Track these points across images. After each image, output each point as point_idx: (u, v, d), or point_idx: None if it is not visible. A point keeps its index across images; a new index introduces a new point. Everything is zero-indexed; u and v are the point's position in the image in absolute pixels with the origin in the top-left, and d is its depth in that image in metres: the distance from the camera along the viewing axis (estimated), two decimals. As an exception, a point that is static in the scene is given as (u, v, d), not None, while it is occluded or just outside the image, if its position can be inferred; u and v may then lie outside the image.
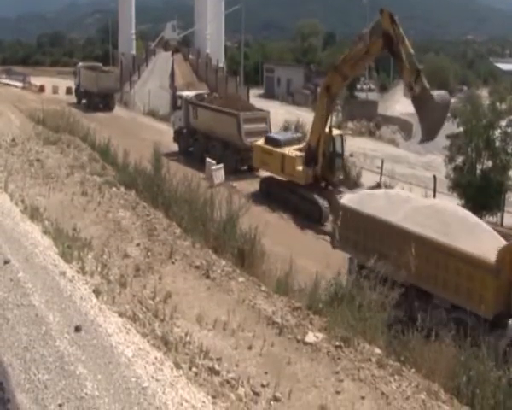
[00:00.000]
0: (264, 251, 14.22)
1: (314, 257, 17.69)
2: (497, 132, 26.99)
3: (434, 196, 24.98)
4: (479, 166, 27.36)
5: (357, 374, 8.92)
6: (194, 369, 8.51)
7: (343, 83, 24.97)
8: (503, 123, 26.95)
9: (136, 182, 18.88)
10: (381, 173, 29.68)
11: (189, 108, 33.37)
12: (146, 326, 9.58)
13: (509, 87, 37.24)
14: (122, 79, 59.19)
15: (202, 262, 12.74)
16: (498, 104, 27.41)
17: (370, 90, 73.89)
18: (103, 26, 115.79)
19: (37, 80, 61.89)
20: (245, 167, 30.33)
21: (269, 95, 72.70)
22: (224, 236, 14.22)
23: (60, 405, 7.53)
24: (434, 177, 26.59)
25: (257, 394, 8.30)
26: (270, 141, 26.97)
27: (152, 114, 49.02)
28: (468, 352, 9.88)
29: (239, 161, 30.11)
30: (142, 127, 41.25)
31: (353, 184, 27.41)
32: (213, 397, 7.93)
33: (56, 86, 58.86)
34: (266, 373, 8.80)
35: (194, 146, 32.97)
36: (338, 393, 8.49)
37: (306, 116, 37.13)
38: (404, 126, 57.24)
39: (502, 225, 22.87)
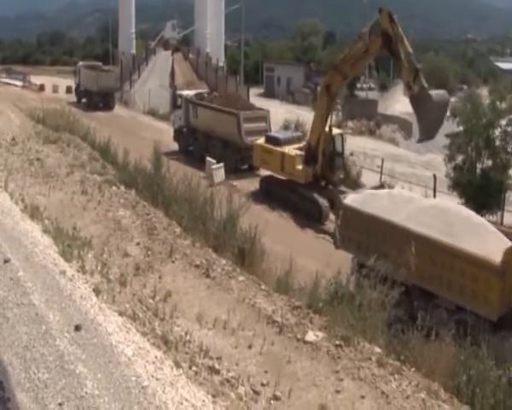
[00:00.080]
0: (265, 250, 14.23)
1: (314, 256, 17.69)
2: (497, 131, 26.96)
3: (434, 195, 24.99)
4: (479, 166, 27.33)
5: (357, 373, 8.92)
6: (194, 368, 8.51)
7: (343, 82, 24.96)
8: (503, 122, 26.93)
9: (136, 181, 18.89)
10: (381, 172, 29.69)
11: (189, 107, 33.37)
12: (146, 325, 9.58)
13: (509, 86, 37.26)
14: (122, 78, 59.14)
15: (202, 261, 12.74)
16: (498, 103, 27.39)
17: (370, 89, 73.80)
18: (103, 25, 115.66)
19: (37, 79, 61.88)
20: (245, 166, 30.32)
21: (269, 94, 72.66)
22: (224, 235, 14.23)
23: (60, 404, 7.53)
24: (434, 176, 26.59)
25: (257, 393, 8.30)
26: (271, 140, 26.97)
27: (152, 113, 48.99)
28: (468, 351, 9.88)
29: (239, 160, 30.11)
30: (142, 126, 41.24)
31: (353, 183, 27.39)
32: (213, 396, 7.94)
33: (56, 85, 58.83)
34: (266, 372, 8.81)
35: (195, 145, 32.96)
36: (338, 392, 8.49)
37: (306, 115, 37.14)
38: (404, 125, 57.22)
39: (502, 224, 22.85)
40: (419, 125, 22.47)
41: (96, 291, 10.56)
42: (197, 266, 12.55)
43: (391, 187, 23.24)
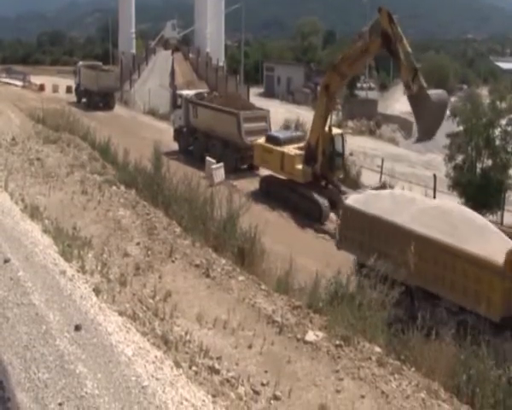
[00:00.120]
0: (264, 250, 14.23)
1: (314, 256, 17.70)
2: (497, 131, 26.94)
3: (434, 194, 24.99)
4: (479, 165, 27.32)
5: (357, 373, 8.92)
6: (194, 368, 8.51)
7: (342, 82, 24.94)
8: (503, 122, 26.91)
9: (136, 181, 18.90)
10: (381, 172, 29.69)
11: (189, 107, 33.35)
12: (146, 325, 9.59)
13: (509, 86, 37.22)
14: (122, 78, 59.12)
15: (202, 261, 12.75)
16: (498, 103, 27.37)
17: (370, 88, 73.81)
18: (103, 25, 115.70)
19: (37, 79, 61.86)
20: (245, 166, 30.31)
21: (269, 94, 72.67)
22: (224, 235, 14.24)
23: (60, 404, 7.53)
24: (434, 176, 26.60)
25: (257, 392, 8.30)
26: (271, 139, 26.97)
27: (152, 112, 48.97)
28: (468, 351, 9.88)
29: (239, 160, 30.09)
30: (142, 126, 41.23)
31: (353, 183, 27.39)
32: (213, 396, 7.94)
33: (56, 85, 58.82)
34: (266, 372, 8.81)
35: (194, 145, 32.95)
36: (338, 392, 8.49)
37: (306, 115, 37.13)
38: (404, 125, 57.17)
39: (502, 223, 22.85)
40: (417, 124, 22.43)
41: (96, 291, 10.56)
42: (197, 266, 12.55)
43: (391, 187, 23.24)
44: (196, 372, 8.42)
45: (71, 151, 23.57)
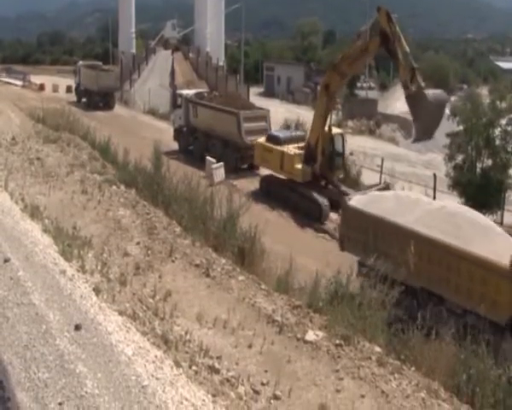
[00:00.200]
0: (264, 249, 14.23)
1: (314, 255, 17.70)
2: (497, 131, 26.92)
3: (434, 194, 24.98)
4: (479, 165, 27.31)
5: (357, 372, 8.93)
6: (194, 367, 8.52)
7: (341, 81, 24.91)
8: (503, 121, 26.90)
9: (136, 180, 18.91)
10: (381, 172, 29.67)
11: (189, 107, 33.33)
12: (146, 325, 9.59)
13: (509, 85, 37.23)
14: (122, 78, 59.10)
15: (202, 261, 12.75)
16: (498, 103, 27.36)
17: (370, 88, 73.74)
18: (103, 25, 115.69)
19: (37, 79, 61.85)
20: (245, 166, 30.30)
21: (269, 93, 72.66)
22: (224, 234, 14.24)
23: (60, 403, 7.53)
24: (434, 175, 26.58)
25: (257, 392, 8.30)
26: (271, 139, 26.96)
27: (152, 112, 48.95)
28: (468, 350, 9.87)
29: (239, 160, 30.06)
30: (142, 126, 41.22)
31: (353, 182, 27.38)
32: (213, 396, 7.94)
33: (56, 85, 58.80)
34: (266, 372, 8.81)
35: (195, 144, 32.93)
36: (338, 391, 8.49)
37: (306, 114, 37.12)
38: (404, 125, 57.10)
39: (502, 223, 22.85)
40: (414, 124, 22.37)
41: (96, 291, 10.57)
42: (197, 266, 12.56)
43: (391, 187, 23.16)
44: (196, 372, 8.42)
45: (71, 151, 23.58)
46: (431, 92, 21.43)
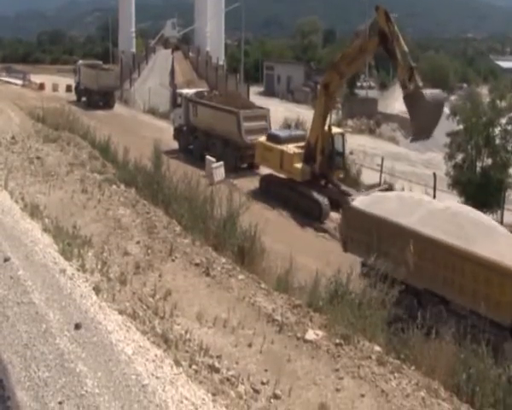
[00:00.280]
0: (264, 249, 14.23)
1: (314, 255, 17.69)
2: (497, 130, 26.94)
3: (434, 193, 24.98)
4: (479, 164, 27.33)
5: (357, 372, 8.92)
6: (194, 366, 8.52)
7: (341, 81, 24.93)
8: (503, 121, 26.92)
9: (136, 180, 18.90)
10: (381, 171, 29.68)
11: (188, 106, 33.32)
12: (146, 324, 9.59)
13: (509, 85, 37.19)
14: (122, 77, 59.10)
15: (202, 260, 12.75)
16: (498, 102, 27.38)
17: (370, 87, 73.78)
18: (103, 24, 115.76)
19: (37, 78, 61.79)
20: (245, 165, 30.30)
21: (269, 92, 72.68)
22: (224, 233, 14.24)
23: (60, 402, 7.54)
24: (434, 174, 26.59)
25: (257, 391, 8.30)
26: (272, 138, 26.98)
27: (152, 111, 48.94)
28: (468, 350, 9.87)
29: (239, 159, 30.05)
30: (142, 125, 41.21)
31: (353, 182, 27.38)
32: (213, 395, 7.94)
33: (56, 84, 58.76)
34: (266, 371, 8.81)
35: (194, 144, 32.92)
36: (338, 390, 8.49)
37: (306, 114, 37.11)
38: (403, 124, 56.98)
39: (502, 222, 22.84)
40: (412, 124, 22.36)
41: (96, 290, 10.57)
42: (197, 265, 12.55)
43: (390, 187, 23.16)
44: (196, 371, 8.43)
45: (71, 150, 23.58)
46: (429, 92, 21.38)
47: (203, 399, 7.78)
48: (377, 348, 9.70)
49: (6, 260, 11.74)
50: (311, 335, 9.83)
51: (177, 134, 34.40)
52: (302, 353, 9.39)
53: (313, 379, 8.72)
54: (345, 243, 16.86)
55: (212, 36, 70.12)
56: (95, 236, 13.70)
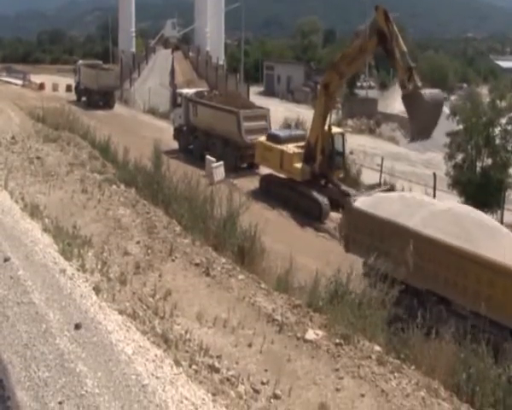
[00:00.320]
0: (265, 249, 14.23)
1: (314, 255, 17.68)
2: (497, 130, 26.92)
3: (434, 193, 24.98)
4: (479, 164, 27.31)
5: (357, 371, 8.92)
6: (194, 366, 8.52)
7: (340, 81, 24.92)
8: (503, 121, 26.90)
9: (136, 180, 18.91)
10: (381, 171, 29.68)
11: (188, 106, 33.33)
12: (146, 324, 9.59)
13: (509, 85, 37.18)
14: (122, 77, 59.09)
15: (202, 260, 12.75)
16: (498, 102, 27.35)
17: (370, 87, 73.84)
18: (103, 24, 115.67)
19: (37, 78, 61.79)
20: (245, 165, 30.30)
21: (269, 92, 72.69)
22: (224, 233, 14.24)
23: (60, 402, 7.54)
24: (434, 174, 26.59)
25: (257, 391, 8.31)
26: (272, 137, 26.99)
27: (152, 111, 48.94)
28: (468, 349, 9.87)
29: (239, 159, 30.05)
30: (142, 125, 41.21)
31: (353, 181, 27.38)
32: (213, 395, 7.94)
33: (56, 84, 58.76)
34: (266, 371, 8.81)
35: (194, 144, 32.93)
36: (338, 390, 8.49)
37: (306, 113, 37.12)
38: (403, 124, 56.95)
39: (502, 222, 22.83)
40: (410, 124, 22.28)
41: (96, 290, 10.57)
42: (197, 265, 12.55)
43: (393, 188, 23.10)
44: (196, 371, 8.43)
45: (71, 150, 23.58)
46: (427, 92, 21.27)
47: (203, 399, 7.78)
48: (377, 347, 9.70)
49: (6, 260, 11.74)
50: (311, 335, 9.83)
51: (177, 134, 34.40)
52: (302, 353, 9.40)
53: (313, 379, 8.72)
54: (346, 244, 16.82)
55: (212, 36, 70.15)
56: (95, 236, 13.70)
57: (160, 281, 11.70)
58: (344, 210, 17.99)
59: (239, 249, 13.70)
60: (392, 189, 19.84)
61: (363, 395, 8.41)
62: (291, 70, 76.88)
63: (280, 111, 44.36)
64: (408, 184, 27.56)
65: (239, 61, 69.88)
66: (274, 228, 18.78)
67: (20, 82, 61.85)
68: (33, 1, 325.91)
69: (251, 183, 27.43)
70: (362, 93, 70.38)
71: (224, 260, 12.87)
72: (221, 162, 27.59)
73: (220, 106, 31.57)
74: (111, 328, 9.20)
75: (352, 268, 12.12)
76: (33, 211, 14.99)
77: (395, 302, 11.25)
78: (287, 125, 36.67)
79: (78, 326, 9.17)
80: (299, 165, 25.00)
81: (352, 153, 32.08)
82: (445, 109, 29.18)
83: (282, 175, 26.04)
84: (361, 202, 16.63)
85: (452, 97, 52.31)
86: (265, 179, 27.06)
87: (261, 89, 76.27)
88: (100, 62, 57.11)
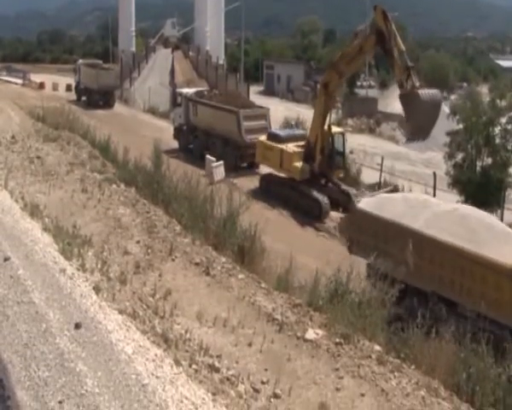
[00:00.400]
0: (265, 248, 14.23)
1: (314, 254, 17.66)
2: (497, 129, 26.92)
3: (434, 192, 24.97)
4: (479, 163, 27.32)
5: (357, 371, 8.93)
6: (194, 366, 8.52)
7: (340, 80, 24.92)
8: (503, 120, 26.90)
9: (136, 179, 18.91)
10: (381, 170, 29.67)
11: (188, 105, 33.32)
12: (146, 323, 9.59)
13: (509, 84, 37.17)
14: (122, 76, 59.07)
15: (202, 259, 12.75)
16: (498, 101, 27.36)
17: (370, 87, 73.72)
18: (103, 24, 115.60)
19: (37, 77, 61.74)
20: (245, 164, 30.29)
21: (269, 92, 72.62)
22: (224, 233, 14.24)
23: (60, 402, 7.54)
24: (434, 174, 26.58)
25: (257, 390, 8.31)
26: (272, 137, 26.98)
27: (152, 111, 48.91)
28: (467, 349, 9.87)
29: (239, 158, 30.04)
30: (142, 124, 41.19)
31: (353, 181, 27.38)
32: (213, 394, 7.95)
33: (56, 83, 58.73)
34: (266, 370, 8.81)
35: (194, 143, 32.92)
36: (338, 390, 8.49)
37: (306, 113, 37.10)
38: (403, 123, 57.07)
39: (502, 222, 22.80)
40: (407, 124, 22.18)
41: (96, 289, 10.57)
42: (197, 264, 12.56)
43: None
44: (196, 370, 8.43)
45: (71, 149, 23.59)
46: (425, 92, 21.09)
47: (203, 398, 7.79)
48: (377, 347, 9.70)
49: (6, 259, 11.75)
50: (311, 334, 9.84)
51: (177, 133, 34.39)
52: (302, 352, 9.40)
53: (313, 378, 8.72)
54: (350, 245, 16.75)
55: (212, 35, 70.10)
56: (95, 235, 13.71)
57: (160, 280, 11.71)
58: (348, 211, 17.88)
59: (239, 249, 13.71)
60: (396, 190, 19.69)
61: (363, 395, 8.41)
62: (291, 69, 76.80)
63: (280, 110, 44.34)
64: (408, 184, 27.57)
65: (239, 61, 69.87)
66: (274, 227, 18.77)
67: (20, 81, 61.83)
68: (33, 1, 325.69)
69: (251, 182, 27.42)
70: (362, 92, 70.30)
71: (224, 260, 12.87)
72: (221, 162, 27.59)
73: (220, 105, 31.57)
74: (111, 327, 9.20)
75: (352, 267, 12.11)
76: (33, 210, 15.00)
77: (396, 301, 11.25)
78: (289, 125, 36.62)
79: (78, 326, 9.17)
80: (298, 164, 24.99)
81: (352, 152, 32.07)
82: (446, 108, 29.21)
83: (282, 174, 26.04)
84: (365, 203, 16.54)
85: (452, 97, 52.28)
86: (265, 179, 27.05)
87: (261, 88, 76.21)
88: (100, 62, 57.06)
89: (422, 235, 14.18)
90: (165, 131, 35.25)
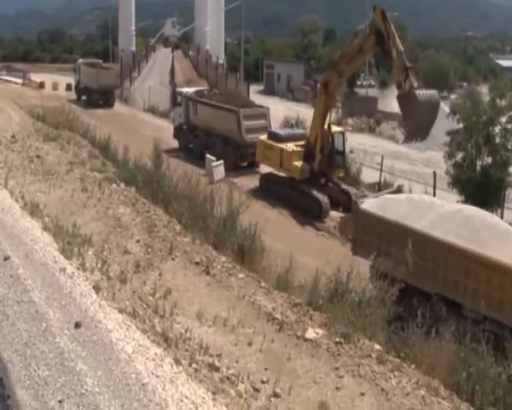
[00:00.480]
0: (265, 247, 14.23)
1: (314, 253, 17.67)
2: (497, 129, 26.89)
3: (434, 192, 24.96)
4: (479, 163, 27.29)
5: (357, 370, 8.93)
6: (194, 365, 8.52)
7: (340, 79, 24.90)
8: (503, 119, 26.87)
9: (136, 178, 18.92)
10: (381, 170, 29.66)
11: (188, 105, 33.31)
12: (146, 322, 9.59)
13: (509, 83, 37.14)
14: (122, 76, 59.05)
15: (202, 258, 12.75)
16: (498, 101, 27.33)
17: (370, 86, 73.72)
18: (103, 23, 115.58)
19: (37, 77, 61.74)
20: (245, 164, 30.28)
21: (269, 91, 72.59)
22: (224, 232, 14.24)
23: (60, 401, 7.54)
24: (434, 173, 26.56)
25: (257, 390, 8.31)
26: (272, 136, 26.98)
27: (152, 110, 48.90)
28: (467, 348, 9.87)
29: (239, 158, 30.03)
30: (142, 124, 41.18)
31: (353, 180, 27.36)
32: (213, 393, 7.95)
33: (56, 83, 58.71)
34: (266, 369, 8.81)
35: (194, 142, 32.92)
36: (338, 389, 8.50)
37: (306, 112, 37.08)
38: (402, 123, 57.05)
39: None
40: (405, 124, 22.12)
41: (96, 288, 10.57)
42: (197, 264, 12.56)
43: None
44: (196, 370, 8.43)
45: (71, 149, 23.59)
46: (423, 92, 20.98)
47: (203, 398, 7.79)
48: (377, 346, 9.70)
49: (6, 258, 11.75)
50: (310, 333, 9.84)
51: (177, 133, 34.38)
52: (302, 351, 9.40)
53: (313, 378, 8.72)
54: (354, 247, 16.69)
55: (212, 34, 70.11)
56: (95, 234, 13.71)
57: (160, 280, 11.71)
58: (348, 211, 17.82)
59: (239, 248, 13.71)
60: (400, 190, 19.62)
61: (363, 394, 8.42)
62: (291, 69, 76.76)
63: (280, 110, 44.32)
64: (408, 183, 27.53)
65: (239, 60, 69.87)
66: (274, 227, 18.77)
67: (20, 81, 61.82)
68: (33, 0, 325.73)
69: (251, 181, 27.42)
70: (362, 92, 70.30)
71: (223, 259, 12.87)
72: (221, 161, 27.59)
73: (220, 105, 31.55)
74: (111, 327, 9.21)
75: (351, 267, 12.10)
76: (33, 210, 15.00)
77: (396, 301, 11.25)
78: (289, 124, 36.59)
79: (78, 325, 9.17)
80: (298, 163, 24.99)
81: (352, 152, 32.04)
82: (445, 108, 29.18)
83: (282, 174, 26.04)
84: (368, 204, 16.47)
85: (452, 96, 52.24)
86: (265, 178, 27.05)
87: (261, 87, 76.18)
88: (100, 61, 57.01)
89: (425, 235, 14.14)
90: (165, 131, 35.24)
